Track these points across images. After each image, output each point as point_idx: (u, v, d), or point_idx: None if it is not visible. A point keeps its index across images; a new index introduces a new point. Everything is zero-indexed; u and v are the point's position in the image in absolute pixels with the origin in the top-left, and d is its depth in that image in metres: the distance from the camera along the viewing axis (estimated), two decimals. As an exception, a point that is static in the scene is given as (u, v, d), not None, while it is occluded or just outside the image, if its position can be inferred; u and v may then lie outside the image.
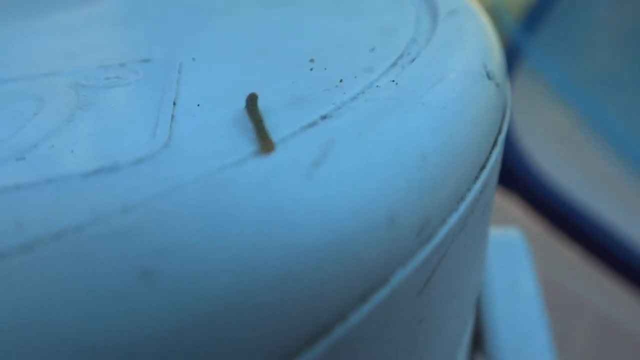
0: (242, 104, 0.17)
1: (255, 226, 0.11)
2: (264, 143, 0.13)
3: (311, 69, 0.19)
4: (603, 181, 0.84)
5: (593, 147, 0.87)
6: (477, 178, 0.17)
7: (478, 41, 0.21)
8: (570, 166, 0.85)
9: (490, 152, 0.18)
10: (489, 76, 0.19)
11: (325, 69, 0.19)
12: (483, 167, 0.17)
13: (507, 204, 0.81)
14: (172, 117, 0.16)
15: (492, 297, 0.29)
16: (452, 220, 0.15)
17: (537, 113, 0.91)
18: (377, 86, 0.18)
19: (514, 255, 0.31)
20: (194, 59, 0.21)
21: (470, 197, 0.16)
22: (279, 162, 0.13)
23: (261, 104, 0.17)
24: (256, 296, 0.10)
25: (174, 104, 0.17)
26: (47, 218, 0.11)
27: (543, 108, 0.92)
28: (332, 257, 0.12)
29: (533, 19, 0.94)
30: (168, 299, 0.10)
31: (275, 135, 0.15)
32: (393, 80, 0.17)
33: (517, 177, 0.84)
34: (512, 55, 0.91)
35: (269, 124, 0.15)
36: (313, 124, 0.15)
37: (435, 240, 0.14)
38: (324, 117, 0.16)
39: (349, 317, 0.12)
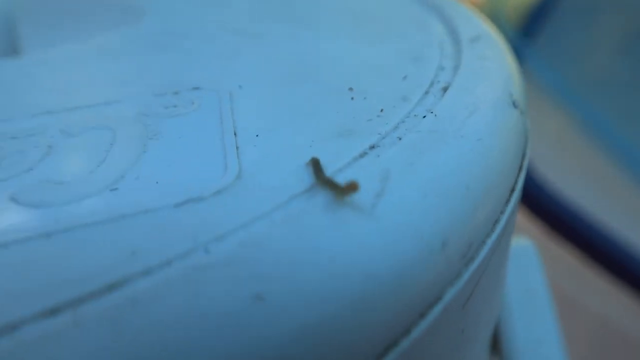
0: (295, 136, 0.19)
1: (332, 255, 0.13)
2: (349, 188, 0.15)
3: (352, 98, 0.21)
4: (602, 185, 0.87)
5: (592, 152, 0.90)
6: (508, 201, 0.19)
7: (502, 70, 0.24)
8: (569, 171, 0.87)
9: (518, 176, 0.20)
10: (514, 105, 0.21)
11: (365, 98, 0.21)
12: (512, 190, 0.20)
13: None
14: (237, 148, 0.18)
15: (508, 304, 0.31)
16: (490, 241, 0.17)
17: (537, 118, 0.93)
18: (415, 115, 0.20)
19: (527, 265, 0.33)
20: (240, 87, 0.23)
21: (503, 219, 0.18)
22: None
23: (311, 134, 0.19)
24: (342, 316, 0.13)
25: (235, 134, 0.19)
26: (156, 246, 0.13)
27: (542, 113, 0.94)
28: (400, 281, 0.14)
29: (532, 25, 0.97)
30: (276, 319, 0.12)
31: (331, 166, 0.17)
32: (431, 112, 0.20)
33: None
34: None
35: (323, 155, 0.18)
36: (364, 154, 0.18)
37: (477, 261, 0.17)
38: (372, 147, 0.18)
39: (412, 331, 0.14)
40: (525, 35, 0.97)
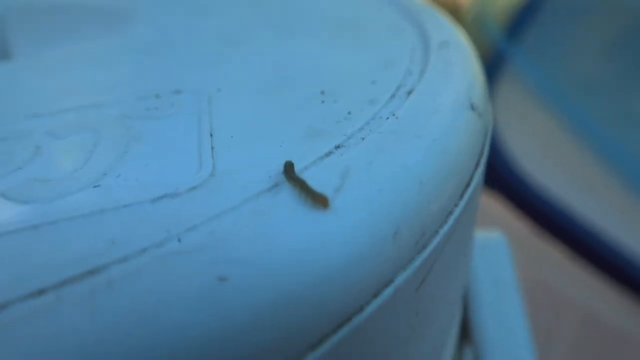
0: (267, 137, 0.21)
1: (292, 242, 0.15)
2: (319, 199, 0.16)
3: (323, 101, 0.23)
4: (586, 182, 0.89)
5: (575, 150, 0.92)
6: (462, 195, 0.21)
7: (465, 75, 0.25)
8: (554, 167, 0.89)
9: (474, 172, 0.22)
10: (472, 108, 0.23)
11: (335, 101, 0.23)
12: (467, 185, 0.21)
13: (493, 205, 0.85)
14: (212, 148, 0.20)
15: (477, 293, 0.33)
16: (443, 231, 0.19)
17: (522, 117, 0.95)
18: (380, 117, 0.21)
19: (496, 255, 0.35)
20: (219, 90, 0.24)
21: (457, 211, 0.20)
22: (316, 183, 0.17)
23: (282, 135, 0.21)
24: (299, 295, 0.14)
25: (211, 135, 0.21)
26: (132, 237, 0.15)
27: (527, 112, 0.96)
28: (355, 265, 0.15)
29: (517, 26, 0.99)
30: (240, 297, 0.13)
31: (298, 164, 0.19)
32: (394, 114, 0.21)
33: (501, 178, 0.88)
34: (497, 62, 0.95)
35: (292, 155, 0.19)
36: (329, 154, 0.19)
37: (429, 249, 0.18)
38: (337, 147, 0.20)
39: (365, 310, 0.16)
40: (511, 36, 0.99)
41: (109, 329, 0.12)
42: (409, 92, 0.23)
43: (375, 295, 0.16)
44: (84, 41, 0.30)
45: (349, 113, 0.22)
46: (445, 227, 0.19)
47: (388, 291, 0.17)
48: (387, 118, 0.21)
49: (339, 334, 0.15)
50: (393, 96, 0.23)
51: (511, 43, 0.97)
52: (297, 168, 0.18)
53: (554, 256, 0.86)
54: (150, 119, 0.22)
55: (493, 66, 0.95)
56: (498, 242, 0.36)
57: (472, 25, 1.03)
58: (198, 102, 0.23)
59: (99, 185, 0.18)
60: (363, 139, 0.20)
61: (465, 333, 0.35)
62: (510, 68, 0.96)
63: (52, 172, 0.18)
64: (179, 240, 0.15)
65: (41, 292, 0.13)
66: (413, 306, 0.19)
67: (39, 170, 0.19)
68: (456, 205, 0.20)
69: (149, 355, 0.12)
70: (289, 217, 0.16)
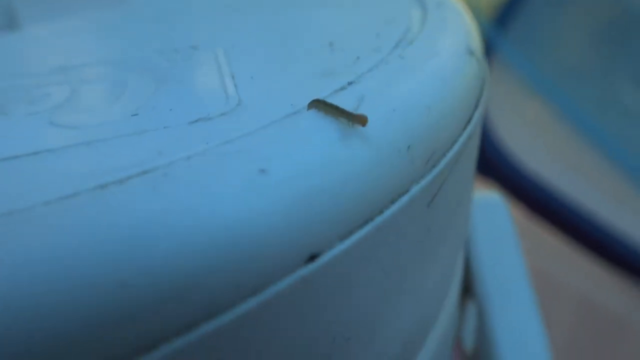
0: (284, 77, 0.23)
1: (325, 147, 0.17)
2: (359, 119, 0.18)
3: (332, 50, 0.25)
4: (577, 167, 0.92)
5: (566, 137, 0.95)
6: (465, 128, 0.23)
7: (460, 27, 0.28)
8: (545, 154, 0.92)
9: (474, 110, 0.24)
10: (471, 53, 0.26)
11: (343, 50, 0.25)
12: (469, 120, 0.24)
13: (486, 190, 0.87)
14: (236, 85, 0.22)
15: (478, 247, 0.35)
16: (450, 154, 0.21)
17: (512, 106, 0.98)
18: (386, 61, 0.24)
19: (495, 213, 0.37)
20: (233, 46, 0.26)
21: (460, 140, 0.22)
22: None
23: (298, 76, 0.23)
24: (332, 189, 0.16)
25: (233, 77, 0.23)
26: (177, 149, 0.17)
27: (518, 101, 0.99)
28: (376, 170, 0.18)
29: (505, 17, 1.02)
30: (280, 186, 0.16)
31: (317, 95, 0.21)
32: (399, 56, 0.24)
33: (495, 167, 0.90)
34: (486, 52, 0.98)
35: (308, 90, 0.21)
36: (343, 88, 0.22)
37: (438, 168, 0.21)
38: (350, 83, 0.22)
39: (384, 212, 0.18)
40: (499, 26, 1.02)
41: (171, 206, 0.14)
42: (411, 42, 0.26)
43: (393, 201, 0.19)
44: (88, 11, 0.33)
45: (357, 58, 0.24)
46: (451, 153, 0.22)
47: (404, 199, 0.19)
48: (393, 61, 0.24)
49: (364, 229, 0.17)
50: (397, 46, 0.26)
51: (499, 33, 1.00)
52: (312, 99, 0.21)
53: (549, 242, 0.89)
54: (173, 67, 0.24)
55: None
56: (495, 200, 0.38)
57: (461, 17, 1.06)
58: (214, 54, 0.25)
59: (137, 114, 0.20)
60: (373, 77, 0.22)
61: (468, 288, 0.38)
62: (500, 58, 0.99)
63: (92, 106, 0.21)
64: (217, 149, 0.17)
65: (104, 186, 0.15)
66: (425, 220, 0.21)
67: (79, 105, 0.21)
68: (460, 135, 0.22)
69: (205, 223, 0.14)
70: (316, 129, 0.18)
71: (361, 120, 0.18)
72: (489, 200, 0.38)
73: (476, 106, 0.25)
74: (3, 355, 0.12)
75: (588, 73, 1.07)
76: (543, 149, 0.96)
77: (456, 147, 0.22)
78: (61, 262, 0.13)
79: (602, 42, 1.10)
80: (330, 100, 0.20)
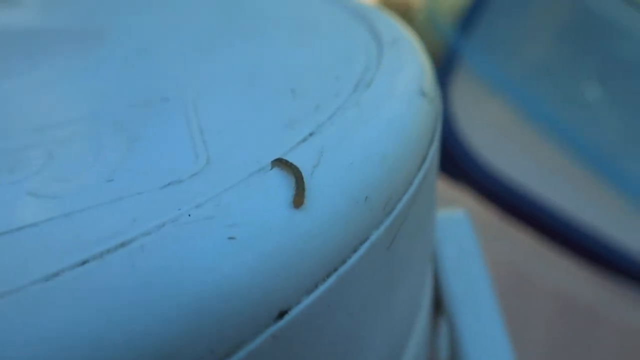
0: (250, 130, 0.24)
1: (285, 206, 0.19)
2: (299, 199, 0.19)
3: (294, 98, 0.27)
4: (543, 165, 0.94)
5: (531, 135, 0.97)
6: (420, 167, 0.25)
7: (415, 66, 0.30)
8: (512, 154, 0.95)
9: (429, 149, 0.26)
10: (423, 94, 0.27)
11: (304, 97, 0.27)
12: (424, 158, 0.25)
13: (458, 194, 0.90)
14: (204, 142, 0.23)
15: (445, 265, 0.37)
16: (406, 197, 0.23)
17: (478, 108, 1.01)
18: (345, 107, 0.25)
19: (460, 231, 0.39)
20: (201, 94, 0.28)
21: (417, 181, 0.24)
22: (296, 162, 0.21)
23: (262, 128, 0.25)
24: (295, 247, 0.18)
25: (202, 132, 0.24)
26: (151, 216, 0.19)
27: (483, 103, 1.02)
28: (336, 224, 0.19)
29: (467, 22, 1.04)
30: (246, 251, 0.17)
31: (279, 150, 0.22)
32: (357, 103, 0.25)
33: (463, 168, 0.92)
34: (451, 57, 1.01)
35: (272, 143, 0.23)
36: (305, 140, 0.23)
37: (395, 212, 0.22)
38: (311, 134, 0.24)
39: (347, 262, 0.20)
40: (462, 31, 1.05)
41: (149, 280, 0.16)
42: (368, 84, 0.27)
43: (355, 250, 0.20)
44: (62, 60, 0.34)
45: (317, 106, 0.26)
46: (407, 195, 0.23)
47: (365, 246, 0.21)
48: (351, 107, 0.25)
49: (328, 281, 0.19)
50: (355, 89, 0.27)
51: (463, 38, 1.03)
52: (278, 153, 0.22)
53: (520, 239, 0.91)
54: (145, 124, 0.26)
55: (447, 61, 1.00)
56: (460, 218, 0.40)
57: (424, 23, 1.09)
58: (184, 106, 0.27)
59: (112, 180, 0.21)
60: (332, 125, 0.24)
61: (439, 305, 0.40)
62: (464, 62, 1.02)
63: (69, 172, 0.22)
64: (189, 215, 0.19)
65: (84, 262, 0.17)
66: (386, 263, 0.23)
67: (56, 172, 0.22)
68: (416, 175, 0.24)
69: (182, 294, 0.16)
70: (278, 189, 0.20)
71: (298, 202, 0.19)
72: (453, 218, 0.40)
73: (430, 143, 0.27)
74: None
75: (551, 72, 1.10)
76: (509, 148, 0.98)
77: (412, 189, 0.24)
78: (50, 343, 0.14)
79: (564, 41, 1.14)
80: (292, 153, 0.22)
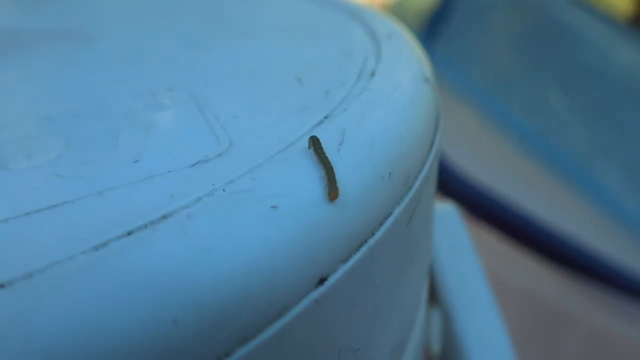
0: (264, 115, 0.25)
1: (313, 182, 0.20)
2: (333, 192, 0.19)
3: (301, 85, 0.28)
4: (509, 169, 0.97)
5: (499, 141, 1.01)
6: (430, 149, 0.26)
7: (413, 56, 0.31)
8: (480, 158, 0.97)
9: (436, 131, 0.27)
10: (427, 81, 0.29)
11: (312, 85, 0.28)
12: (433, 142, 0.27)
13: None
14: (222, 126, 0.24)
15: (439, 256, 0.39)
16: (422, 175, 0.24)
17: (446, 116, 1.04)
18: (354, 93, 0.26)
19: (451, 222, 0.41)
20: (206, 85, 0.28)
21: (429, 161, 0.25)
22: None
23: (275, 112, 0.25)
24: (329, 218, 0.19)
25: (217, 118, 0.25)
26: (187, 191, 0.19)
27: (451, 109, 1.05)
28: (364, 197, 0.20)
29: (432, 30, 1.07)
30: (289, 218, 0.18)
31: (298, 132, 0.23)
32: (366, 89, 0.26)
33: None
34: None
35: (289, 126, 0.24)
36: (321, 122, 0.24)
37: (414, 189, 0.23)
38: (326, 117, 0.24)
39: (376, 234, 0.21)
40: (428, 38, 1.07)
41: (204, 245, 0.16)
42: (372, 74, 0.28)
43: (381, 223, 0.21)
44: (59, 57, 0.34)
45: (327, 92, 0.27)
46: (423, 173, 0.24)
47: (389, 221, 0.22)
48: (360, 93, 0.26)
49: (360, 252, 0.20)
50: (360, 77, 0.28)
51: (428, 45, 1.06)
52: (296, 135, 0.23)
53: (489, 242, 0.94)
54: (155, 111, 0.26)
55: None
56: (451, 211, 0.42)
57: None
58: (192, 95, 0.27)
59: (138, 161, 0.21)
60: (345, 109, 0.25)
61: (433, 296, 0.41)
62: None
63: (91, 156, 0.22)
64: (224, 190, 0.19)
65: (129, 233, 0.17)
66: (405, 237, 0.24)
67: (78, 156, 0.22)
68: (428, 156, 0.25)
69: (236, 258, 0.16)
70: (310, 165, 0.21)
71: (333, 195, 0.19)
72: (444, 211, 0.41)
73: (436, 128, 0.28)
74: None
75: (515, 78, 1.14)
76: (478, 154, 1.01)
77: (426, 168, 0.25)
78: (117, 305, 0.15)
79: (527, 47, 1.18)
80: (315, 132, 0.23)
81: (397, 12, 1.18)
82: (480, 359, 0.36)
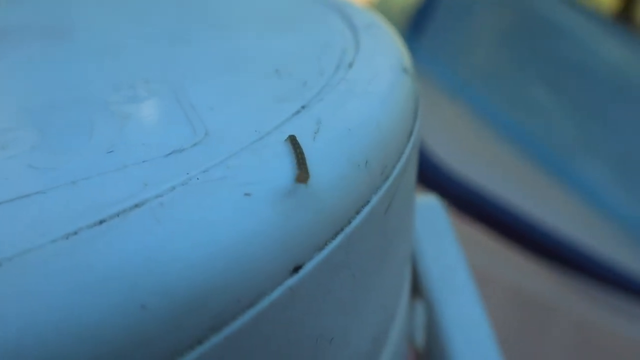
0: (241, 106, 0.25)
1: (289, 173, 0.20)
2: (303, 175, 0.19)
3: (279, 77, 0.28)
4: (496, 164, 0.98)
5: (485, 136, 1.01)
6: (408, 139, 0.26)
7: (392, 46, 0.31)
8: (465, 154, 0.98)
9: (414, 122, 0.27)
10: (405, 71, 0.29)
11: (290, 76, 0.28)
12: (411, 132, 0.27)
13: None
14: (198, 116, 0.24)
15: (422, 248, 0.39)
16: (399, 165, 0.24)
17: (432, 110, 1.04)
18: (332, 84, 0.26)
19: (433, 214, 0.41)
20: (184, 77, 0.28)
21: (407, 151, 0.25)
22: (296, 130, 0.21)
23: (253, 103, 0.25)
24: (304, 205, 0.19)
25: (194, 108, 0.25)
26: (160, 180, 0.19)
27: (437, 106, 1.05)
28: (340, 186, 0.20)
29: (417, 25, 1.08)
30: (262, 205, 0.18)
31: (274, 122, 0.23)
32: (344, 79, 0.26)
33: (421, 169, 0.95)
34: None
35: (265, 116, 0.24)
36: (298, 112, 0.24)
37: (391, 178, 0.23)
38: (303, 107, 0.25)
39: (352, 223, 0.21)
40: (413, 35, 1.08)
41: (177, 231, 0.16)
42: (350, 64, 0.29)
43: (358, 211, 0.21)
44: (31, 51, 0.33)
45: (304, 83, 0.27)
46: (400, 163, 0.25)
47: (366, 209, 0.22)
48: (338, 83, 0.26)
49: (336, 240, 0.20)
50: (338, 68, 0.28)
51: (414, 41, 1.06)
52: (274, 124, 0.23)
53: (475, 237, 0.94)
54: (132, 103, 0.26)
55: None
56: (433, 203, 0.42)
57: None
58: (169, 87, 0.27)
59: (112, 151, 0.21)
60: (322, 99, 0.25)
61: (415, 287, 0.41)
62: (416, 65, 1.05)
63: (65, 147, 0.22)
64: (198, 179, 0.19)
65: (102, 221, 0.17)
66: (383, 226, 0.24)
67: (52, 147, 0.22)
68: (405, 146, 0.26)
69: (210, 244, 0.16)
70: (284, 154, 0.21)
71: (303, 178, 0.19)
72: (427, 203, 0.42)
73: (415, 118, 0.28)
74: None
75: (500, 73, 1.15)
76: (462, 148, 1.02)
77: (404, 158, 0.25)
78: (87, 292, 0.15)
79: (512, 43, 1.19)
80: (288, 124, 0.23)
81: (382, 8, 1.18)
82: (463, 350, 0.36)
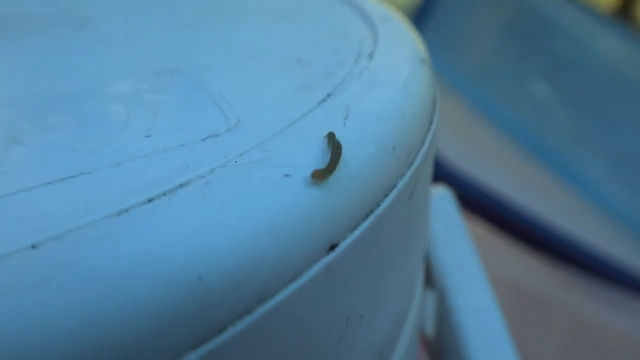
0: (267, 93, 0.26)
1: (320, 154, 0.21)
2: (324, 172, 0.20)
3: (301, 66, 0.29)
4: (496, 160, 0.99)
5: (483, 131, 1.02)
6: (429, 127, 0.27)
7: (410, 39, 0.32)
8: (466, 149, 0.99)
9: (434, 110, 0.29)
10: (423, 62, 0.30)
11: (311, 65, 0.29)
12: (431, 121, 0.28)
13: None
14: (228, 103, 0.25)
15: (433, 238, 0.40)
16: (422, 151, 0.25)
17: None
18: (354, 73, 0.28)
19: (444, 205, 0.42)
20: (208, 66, 0.29)
21: (428, 138, 0.27)
22: (325, 116, 0.23)
23: (278, 91, 0.26)
24: (340, 184, 0.20)
25: (222, 96, 0.26)
26: (201, 162, 0.20)
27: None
28: (369, 168, 0.21)
29: (418, 21, 1.09)
30: (300, 186, 0.19)
31: (301, 109, 0.24)
32: (366, 69, 0.28)
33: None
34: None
35: (292, 104, 0.25)
36: (324, 100, 0.25)
37: (415, 164, 0.25)
38: (328, 95, 0.26)
39: (381, 205, 0.22)
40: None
41: (223, 207, 0.17)
42: (370, 55, 0.30)
43: (386, 195, 0.22)
44: (58, 42, 0.34)
45: (327, 72, 0.28)
46: (423, 150, 0.26)
47: (393, 193, 0.23)
48: (361, 73, 0.27)
49: (367, 221, 0.21)
50: (358, 58, 0.29)
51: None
52: (304, 111, 0.24)
53: (474, 232, 0.95)
54: (160, 92, 0.27)
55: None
56: (444, 194, 0.43)
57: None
58: (195, 76, 0.28)
59: (150, 136, 0.22)
60: (347, 88, 0.26)
61: (427, 277, 0.42)
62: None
63: (104, 132, 0.23)
64: (236, 161, 0.20)
65: (150, 200, 0.18)
66: (407, 211, 0.25)
67: (92, 132, 0.23)
68: (427, 133, 0.27)
69: (255, 220, 0.17)
70: (318, 139, 0.22)
71: (320, 175, 0.20)
72: (438, 194, 0.43)
73: (434, 108, 0.29)
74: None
75: (499, 69, 1.16)
76: (462, 143, 1.03)
77: (426, 145, 0.26)
78: (145, 264, 0.16)
79: (511, 38, 1.20)
80: (316, 111, 0.24)
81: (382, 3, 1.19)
82: (474, 338, 0.38)
